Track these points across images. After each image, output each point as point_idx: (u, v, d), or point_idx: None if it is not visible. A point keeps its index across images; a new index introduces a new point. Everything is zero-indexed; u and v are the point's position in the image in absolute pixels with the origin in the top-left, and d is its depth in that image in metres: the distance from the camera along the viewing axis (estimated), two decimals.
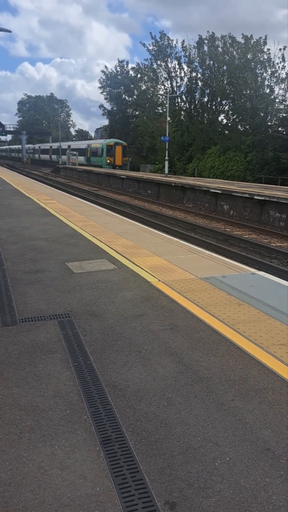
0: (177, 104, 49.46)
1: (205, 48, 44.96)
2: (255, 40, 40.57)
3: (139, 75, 55.58)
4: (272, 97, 39.93)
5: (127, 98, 58.21)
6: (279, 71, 40.42)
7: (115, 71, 57.90)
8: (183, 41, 54.84)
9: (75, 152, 53.50)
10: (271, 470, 2.28)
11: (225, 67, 42.16)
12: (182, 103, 50.09)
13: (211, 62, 45.07)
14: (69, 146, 59.55)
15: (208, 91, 46.88)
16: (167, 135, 33.29)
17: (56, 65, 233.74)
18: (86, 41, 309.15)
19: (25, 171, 49.08)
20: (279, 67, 40.40)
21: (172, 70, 50.43)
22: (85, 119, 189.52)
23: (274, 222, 16.95)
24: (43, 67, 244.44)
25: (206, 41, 44.48)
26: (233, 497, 2.09)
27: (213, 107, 47.66)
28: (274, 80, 40.14)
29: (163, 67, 50.94)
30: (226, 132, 40.39)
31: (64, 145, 61.35)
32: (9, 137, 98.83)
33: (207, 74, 46.17)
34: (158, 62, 50.88)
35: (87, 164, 50.31)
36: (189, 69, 48.10)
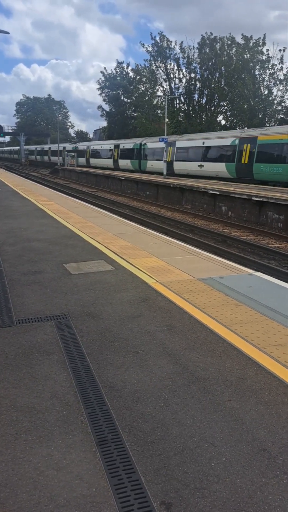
0: (175, 106, 49.52)
1: (206, 49, 45.02)
2: (254, 40, 40.65)
3: (138, 77, 55.67)
4: (271, 98, 40.00)
5: (125, 99, 58.29)
6: (277, 73, 40.50)
7: (114, 72, 58.00)
8: (182, 42, 54.97)
9: (73, 154, 52.50)
10: (267, 471, 2.28)
11: (223, 68, 42.21)
12: (181, 104, 50.15)
13: (210, 63, 45.15)
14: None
15: (206, 92, 46.95)
16: (165, 135, 33.32)
17: (51, 66, 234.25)
18: (80, 43, 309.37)
19: (23, 172, 49.04)
20: (277, 68, 40.49)
21: (170, 71, 50.51)
22: (81, 120, 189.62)
23: (272, 223, 16.96)
24: (38, 69, 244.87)
25: (207, 42, 44.57)
26: (229, 498, 2.09)
27: (212, 108, 47.74)
28: (273, 82, 40.23)
29: (162, 68, 51.06)
30: None
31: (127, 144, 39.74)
32: (7, 138, 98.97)
33: (205, 75, 46.26)
34: (157, 64, 51.01)
35: (236, 177, 25.25)
36: (188, 70, 48.16)
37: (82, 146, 52.98)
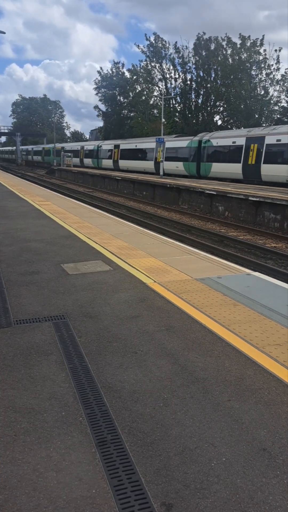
0: (171, 106, 49.52)
1: (200, 49, 45.01)
2: (252, 40, 40.71)
3: (134, 77, 55.69)
4: (267, 98, 40.06)
5: (122, 99, 58.29)
6: (273, 73, 40.59)
7: (110, 72, 58.00)
8: (176, 42, 54.96)
9: (70, 154, 52.07)
10: (267, 471, 2.27)
11: (219, 68, 42.23)
12: (177, 105, 50.16)
13: (205, 64, 45.18)
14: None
15: (202, 92, 46.98)
16: (161, 135, 33.30)
17: (44, 66, 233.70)
18: (72, 43, 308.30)
19: (19, 173, 48.90)
20: (274, 68, 40.57)
21: (166, 71, 50.53)
22: (76, 120, 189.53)
23: (269, 223, 16.99)
24: (31, 69, 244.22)
25: (202, 42, 44.60)
26: (229, 498, 2.09)
27: (208, 108, 47.79)
28: (269, 82, 40.33)
29: (157, 68, 51.08)
30: None
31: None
32: (3, 138, 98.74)
33: (201, 75, 46.30)
34: (153, 64, 51.02)
35: None
36: (183, 70, 48.18)
37: (179, 141, 30.10)
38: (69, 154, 50.03)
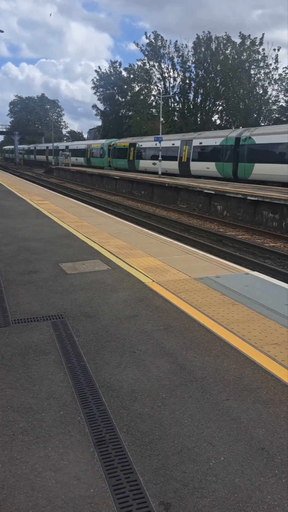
0: (170, 105, 49.48)
1: (202, 48, 44.94)
2: (251, 39, 40.71)
3: (131, 76, 55.64)
4: (266, 97, 40.07)
5: (120, 98, 58.22)
6: (272, 72, 40.59)
7: (107, 72, 57.92)
8: (176, 41, 54.83)
9: (68, 153, 51.82)
10: (265, 470, 2.27)
11: (219, 67, 42.18)
12: (176, 104, 50.12)
13: (205, 63, 45.14)
14: None
15: (201, 91, 46.95)
16: (160, 134, 33.27)
17: (39, 65, 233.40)
18: (67, 41, 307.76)
19: (17, 172, 48.75)
20: (272, 68, 40.59)
21: (165, 70, 50.48)
22: (73, 119, 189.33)
23: (267, 222, 17.00)
24: (26, 68, 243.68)
25: (203, 42, 44.56)
26: (228, 497, 2.09)
27: (207, 107, 47.76)
28: (267, 81, 40.33)
29: (156, 67, 51.02)
30: None
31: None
32: (0, 137, 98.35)
33: (200, 74, 46.26)
34: (151, 63, 50.95)
35: None
36: (182, 69, 48.13)
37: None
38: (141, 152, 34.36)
